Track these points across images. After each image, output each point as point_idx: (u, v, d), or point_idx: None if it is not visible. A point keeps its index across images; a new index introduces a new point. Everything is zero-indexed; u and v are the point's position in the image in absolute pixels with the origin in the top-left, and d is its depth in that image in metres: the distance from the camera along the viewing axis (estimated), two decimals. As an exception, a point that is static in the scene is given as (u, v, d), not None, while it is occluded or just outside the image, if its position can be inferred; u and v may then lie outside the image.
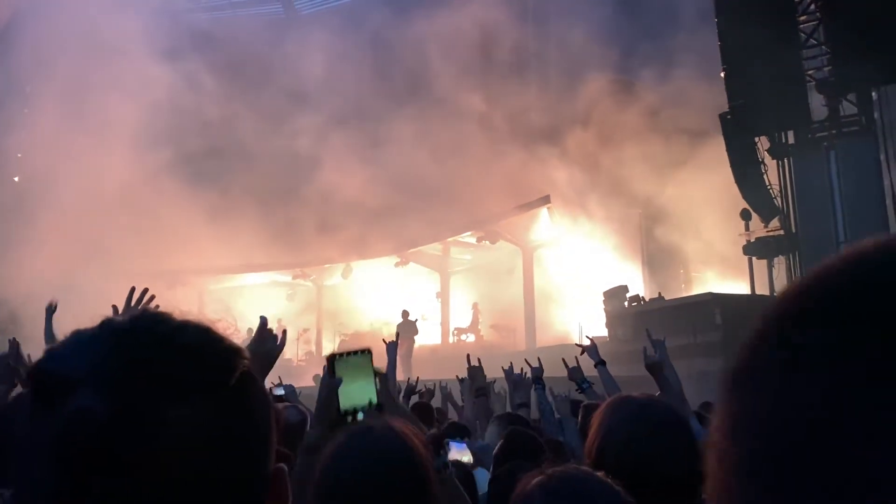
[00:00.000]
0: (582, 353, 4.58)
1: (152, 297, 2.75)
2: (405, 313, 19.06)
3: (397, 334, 5.26)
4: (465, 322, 22.49)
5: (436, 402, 6.28)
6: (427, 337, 20.91)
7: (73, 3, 21.43)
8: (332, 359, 1.61)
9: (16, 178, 20.96)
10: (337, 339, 23.46)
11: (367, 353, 1.62)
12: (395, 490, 1.41)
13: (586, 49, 20.60)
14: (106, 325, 0.64)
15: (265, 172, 22.49)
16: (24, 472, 0.60)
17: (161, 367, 0.61)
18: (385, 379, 1.65)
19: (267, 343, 2.37)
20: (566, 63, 21.25)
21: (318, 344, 24.28)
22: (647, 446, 1.59)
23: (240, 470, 0.64)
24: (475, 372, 4.72)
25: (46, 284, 17.09)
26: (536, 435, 3.11)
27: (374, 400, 1.58)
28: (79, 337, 0.64)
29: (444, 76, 22.56)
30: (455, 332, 22.62)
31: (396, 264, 22.61)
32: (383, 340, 3.97)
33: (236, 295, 23.37)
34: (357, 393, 1.54)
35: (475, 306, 22.24)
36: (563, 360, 4.60)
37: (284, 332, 2.60)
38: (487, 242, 21.06)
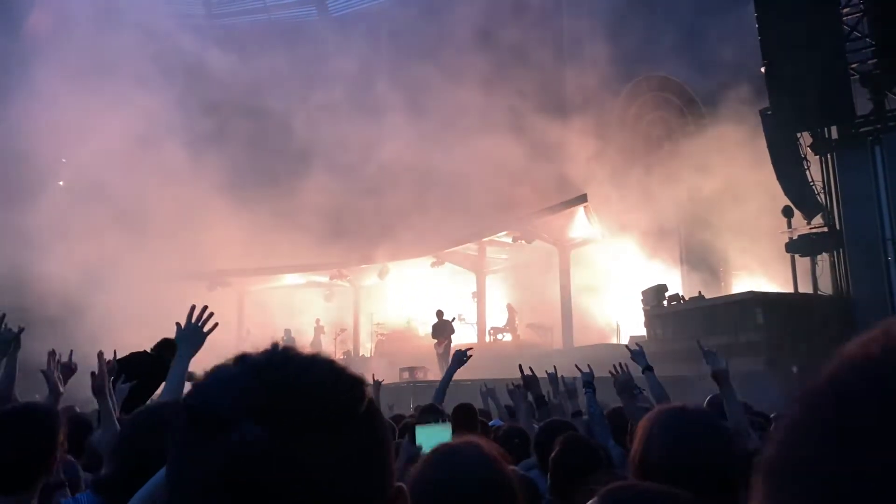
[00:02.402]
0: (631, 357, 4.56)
1: (212, 314, 2.89)
2: (440, 313, 19.07)
3: (456, 350, 5.28)
4: (501, 322, 22.44)
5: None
6: (463, 337, 20.91)
7: (109, 7, 21.89)
8: (412, 428, 1.70)
9: (60, 182, 21.46)
10: (374, 338, 23.60)
11: (447, 422, 1.66)
12: None
13: (624, 45, 20.42)
14: (245, 361, 0.71)
15: (303, 175, 22.65)
16: (183, 495, 0.68)
17: (304, 400, 0.68)
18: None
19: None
20: (604, 60, 21.07)
21: (356, 344, 24.45)
22: (685, 455, 1.61)
23: (372, 490, 0.70)
24: (531, 381, 4.75)
25: (90, 284, 17.61)
26: (590, 440, 3.09)
27: None
28: (222, 373, 0.71)
29: (479, 74, 22.54)
30: (491, 331, 22.59)
31: (433, 264, 22.66)
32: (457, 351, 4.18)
33: (275, 296, 23.66)
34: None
35: (510, 306, 22.16)
36: (614, 366, 4.58)
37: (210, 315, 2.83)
38: (523, 242, 20.99)
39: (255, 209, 20.57)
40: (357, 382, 0.73)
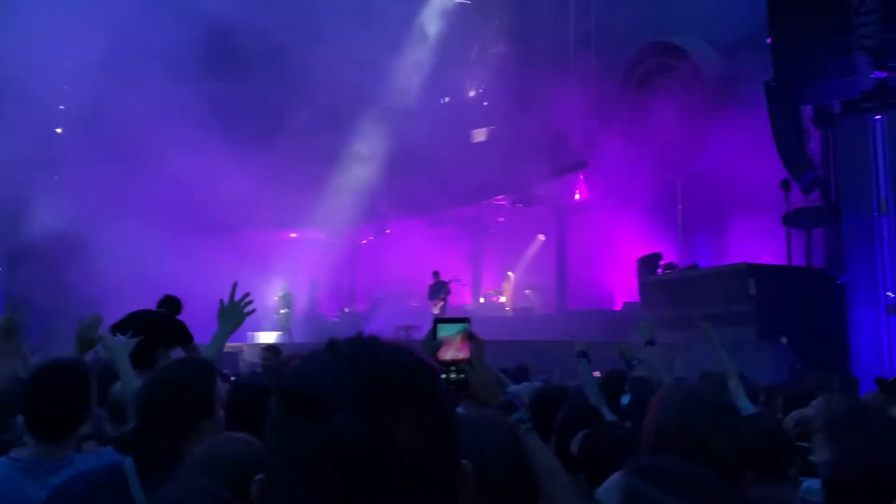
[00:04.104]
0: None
1: (251, 300, 3.09)
2: (436, 274, 19.20)
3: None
4: (497, 284, 22.62)
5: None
6: (459, 298, 21.09)
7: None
8: (435, 322, 1.87)
9: (59, 130, 21.29)
10: (372, 296, 23.76)
11: (467, 321, 1.87)
12: (511, 478, 1.50)
13: (625, 10, 20.19)
14: (337, 349, 0.77)
15: (303, 131, 22.34)
16: (288, 476, 0.74)
17: (396, 386, 0.74)
18: (482, 345, 1.82)
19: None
20: (606, 24, 20.88)
21: (352, 302, 24.61)
22: (701, 429, 1.73)
23: (452, 467, 0.77)
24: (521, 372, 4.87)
25: (86, 222, 17.60)
26: (592, 405, 3.22)
27: (467, 357, 1.82)
28: (317, 360, 0.77)
29: (483, 39, 22.33)
30: (487, 293, 22.77)
31: (430, 225, 22.73)
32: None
33: (272, 251, 23.61)
34: (452, 353, 1.82)
35: (507, 269, 22.34)
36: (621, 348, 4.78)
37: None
38: (521, 206, 21.06)
39: (257, 162, 20.35)
40: (434, 368, 0.80)
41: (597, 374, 5.12)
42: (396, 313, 20.89)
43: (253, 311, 3.05)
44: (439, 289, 18.60)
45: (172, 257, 16.80)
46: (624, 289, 18.76)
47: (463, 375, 1.79)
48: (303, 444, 0.72)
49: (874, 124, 13.79)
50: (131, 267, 16.34)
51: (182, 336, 7.02)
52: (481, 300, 22.93)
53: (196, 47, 20.33)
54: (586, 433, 2.33)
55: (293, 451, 0.73)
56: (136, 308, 7.22)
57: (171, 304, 7.40)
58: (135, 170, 18.96)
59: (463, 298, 22.30)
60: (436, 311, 18.07)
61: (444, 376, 1.76)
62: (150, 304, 7.38)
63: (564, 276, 21.51)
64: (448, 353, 1.81)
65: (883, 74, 13.58)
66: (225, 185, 19.57)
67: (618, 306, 18.48)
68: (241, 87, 21.45)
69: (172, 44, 19.55)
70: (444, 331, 1.83)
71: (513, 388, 4.85)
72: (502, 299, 22.00)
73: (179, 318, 7.36)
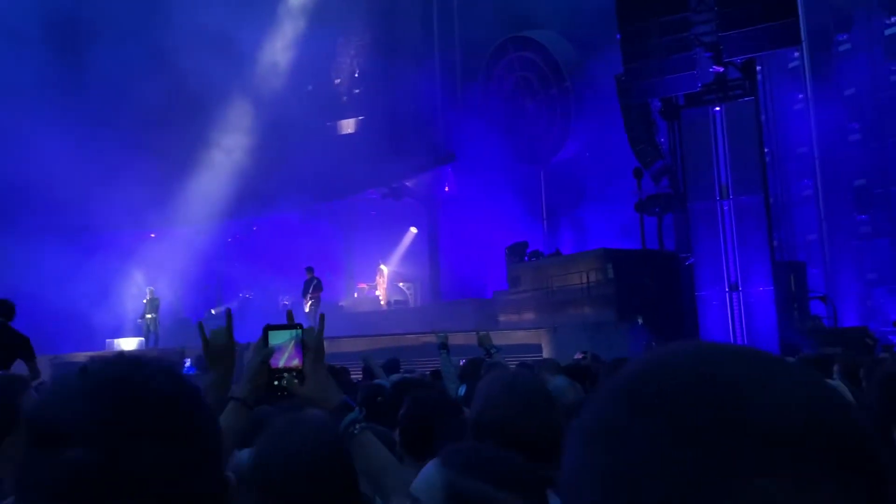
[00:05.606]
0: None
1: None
2: (310, 270, 18.96)
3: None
4: (370, 278, 22.64)
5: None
6: (332, 293, 20.95)
7: None
8: (266, 329, 1.83)
9: None
10: (240, 295, 23.15)
11: (299, 327, 1.84)
12: (326, 482, 1.53)
13: (486, 3, 20.66)
14: (86, 377, 0.76)
15: (164, 123, 21.06)
16: (26, 500, 0.74)
17: (138, 418, 0.73)
18: (321, 351, 1.83)
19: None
20: (470, 19, 21.29)
21: (220, 303, 23.85)
22: (514, 413, 1.87)
23: (208, 485, 0.77)
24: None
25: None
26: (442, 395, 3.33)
27: (300, 366, 1.81)
28: (65, 388, 0.76)
29: (351, 33, 22.20)
30: (360, 287, 22.74)
31: (301, 219, 22.43)
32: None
33: (134, 249, 22.41)
34: (286, 360, 1.81)
35: (379, 263, 22.40)
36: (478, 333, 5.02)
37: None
38: (392, 199, 21.19)
39: (111, 162, 19.10)
40: (194, 396, 0.79)
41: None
42: (267, 312, 20.46)
43: None
44: (313, 285, 18.38)
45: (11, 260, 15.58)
46: (494, 277, 19.29)
47: (297, 380, 1.78)
48: (39, 477, 0.72)
49: (714, 115, 14.87)
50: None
51: (25, 351, 6.41)
52: (355, 295, 22.88)
53: (32, 20, 18.64)
54: (423, 420, 2.41)
55: (32, 484, 0.72)
56: None
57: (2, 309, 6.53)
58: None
59: (337, 293, 22.17)
60: (306, 308, 17.85)
61: (276, 383, 1.79)
62: None
63: (437, 268, 21.85)
64: (281, 361, 1.79)
65: (720, 69, 14.67)
66: (70, 180, 18.07)
67: (490, 294, 18.99)
68: (84, 67, 19.36)
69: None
70: (276, 338, 1.81)
71: (379, 381, 4.94)
72: (378, 293, 22.04)
73: (15, 323, 6.63)
